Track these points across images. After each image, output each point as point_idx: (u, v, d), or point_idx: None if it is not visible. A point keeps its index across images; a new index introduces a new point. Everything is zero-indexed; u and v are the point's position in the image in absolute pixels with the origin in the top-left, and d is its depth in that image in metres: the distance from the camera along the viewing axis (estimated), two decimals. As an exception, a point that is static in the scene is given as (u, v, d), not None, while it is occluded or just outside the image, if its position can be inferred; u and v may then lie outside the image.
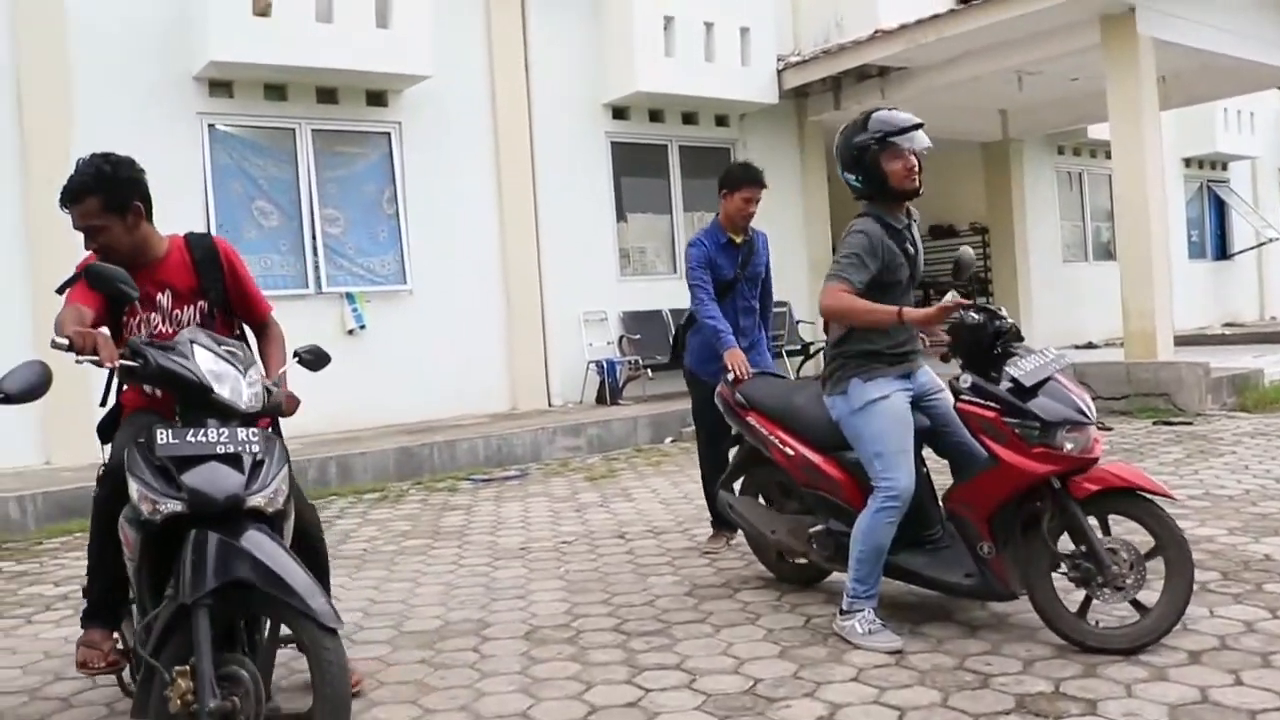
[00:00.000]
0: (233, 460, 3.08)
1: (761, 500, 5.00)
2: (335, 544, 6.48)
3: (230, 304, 3.81)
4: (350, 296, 10.59)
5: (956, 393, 4.02)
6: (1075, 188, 18.14)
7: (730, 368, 5.18)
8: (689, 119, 13.14)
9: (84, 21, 9.35)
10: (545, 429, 9.81)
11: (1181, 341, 11.55)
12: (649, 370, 11.80)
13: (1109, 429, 9.52)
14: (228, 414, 3.17)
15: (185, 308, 3.71)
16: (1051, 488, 3.88)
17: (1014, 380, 3.87)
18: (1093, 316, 16.88)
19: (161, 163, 9.52)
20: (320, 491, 8.25)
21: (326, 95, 10.55)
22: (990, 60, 12.03)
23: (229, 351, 3.30)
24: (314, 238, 10.46)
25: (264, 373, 3.46)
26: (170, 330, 3.65)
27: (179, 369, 3.16)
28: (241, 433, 3.12)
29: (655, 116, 12.85)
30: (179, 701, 2.81)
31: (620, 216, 12.58)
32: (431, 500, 7.94)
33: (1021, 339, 4.07)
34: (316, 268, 10.45)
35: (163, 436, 3.06)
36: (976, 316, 3.95)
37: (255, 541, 2.99)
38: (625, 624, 4.49)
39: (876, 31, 12.41)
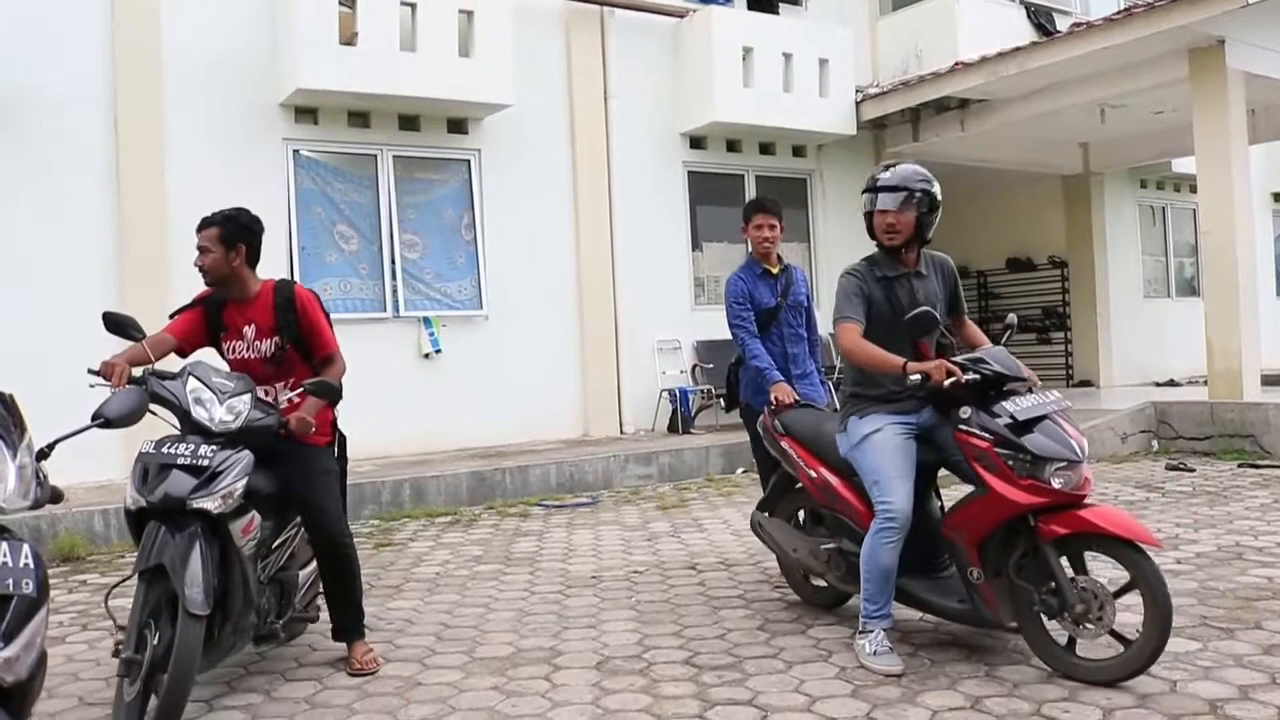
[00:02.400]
0: (195, 470, 3.83)
1: (790, 525, 5.25)
2: (408, 567, 6.56)
3: (301, 340, 4.49)
4: (427, 321, 10.72)
5: (957, 423, 4.17)
6: (1158, 222, 17.80)
7: (775, 398, 5.33)
8: (766, 149, 13.16)
9: (178, 50, 9.64)
10: (617, 456, 9.83)
11: (1269, 381, 11.25)
12: (722, 399, 11.74)
13: (1190, 470, 9.31)
14: (208, 432, 3.95)
15: (264, 340, 4.47)
16: (1028, 524, 4.04)
17: (1011, 416, 4.04)
18: (1175, 353, 16.52)
19: (247, 187, 9.90)
20: (394, 513, 8.35)
21: (408, 122, 10.73)
22: (1073, 93, 11.89)
23: (220, 383, 4.09)
24: (393, 262, 10.63)
25: (255, 401, 4.15)
26: (251, 356, 4.48)
27: (166, 394, 4.04)
28: (203, 449, 3.87)
29: (732, 146, 12.89)
30: (115, 648, 3.73)
31: (695, 245, 12.62)
32: (503, 525, 7.98)
33: (1023, 379, 4.19)
34: (395, 291, 10.60)
35: (144, 447, 3.94)
36: (973, 377, 4.11)
37: (182, 536, 3.76)
38: (697, 657, 4.47)
39: (957, 63, 12.33)
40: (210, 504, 3.80)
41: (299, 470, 4.35)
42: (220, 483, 3.83)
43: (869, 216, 4.50)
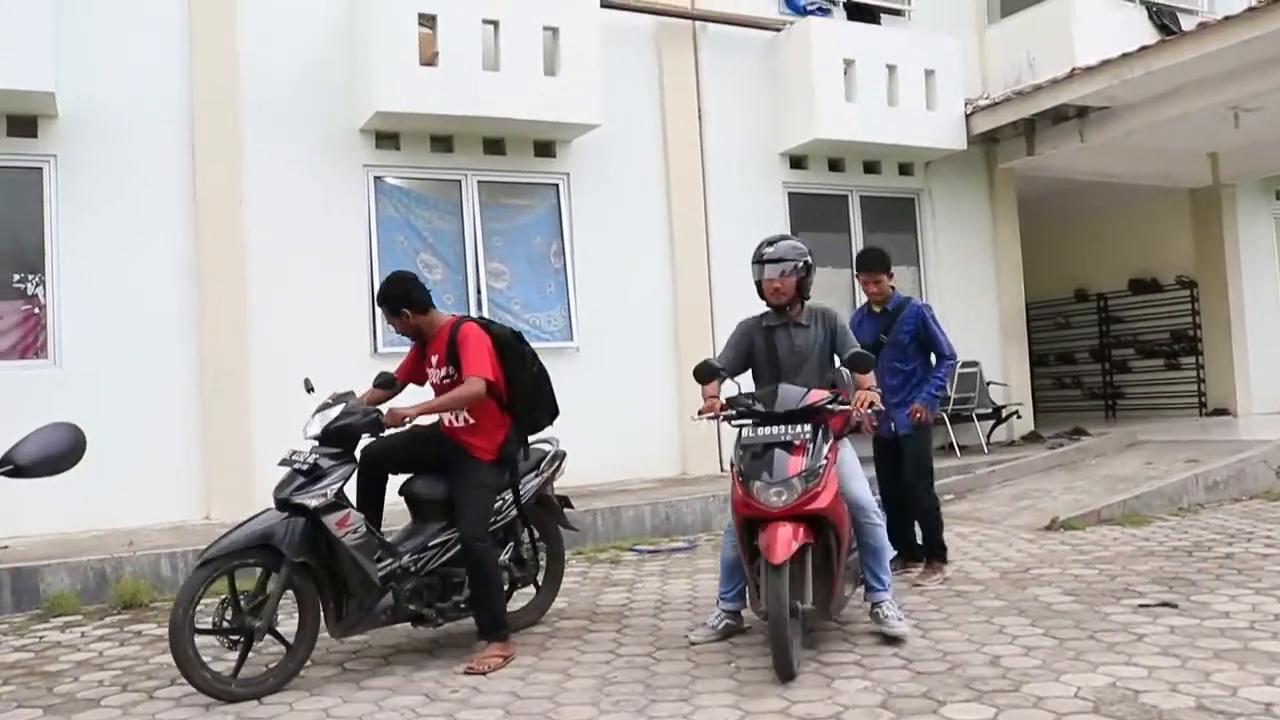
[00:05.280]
0: (304, 471, 4.79)
1: None
2: (485, 621, 5.95)
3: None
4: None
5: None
6: (1297, 237, 16.54)
7: None
8: (870, 168, 12.40)
9: (256, 76, 9.35)
10: (716, 497, 9.10)
11: None
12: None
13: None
14: (321, 440, 4.95)
15: (441, 368, 5.34)
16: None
17: (743, 441, 5.06)
18: (1320, 379, 15.27)
19: (327, 215, 9.54)
20: (476, 559, 7.78)
21: (493, 146, 10.27)
22: (1204, 95, 10.91)
23: (324, 404, 5.05)
24: (479, 292, 10.13)
25: (347, 410, 5.02)
26: (436, 381, 5.42)
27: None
28: (309, 456, 4.86)
29: (835, 165, 12.17)
30: None
31: (797, 270, 11.87)
32: (592, 573, 7.36)
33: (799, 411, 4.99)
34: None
35: (285, 454, 4.94)
36: (729, 412, 5.23)
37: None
38: (808, 741, 3.77)
39: (1074, 69, 11.48)
40: (306, 500, 4.69)
41: (458, 479, 5.20)
42: (319, 484, 4.74)
43: (758, 284, 5.49)
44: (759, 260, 5.47)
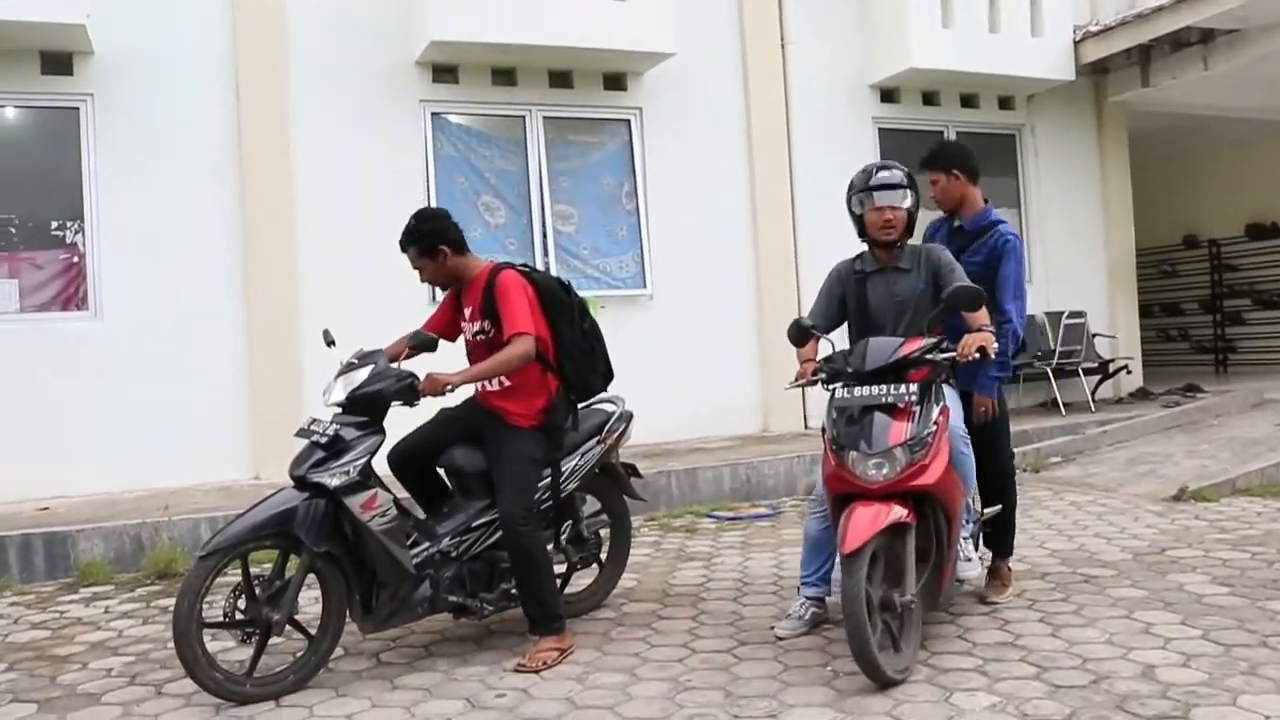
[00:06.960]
0: (324, 444, 4.13)
1: None
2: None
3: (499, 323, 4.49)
4: (583, 302, 9.47)
5: None
6: None
7: None
8: (968, 101, 11.41)
9: (303, 9, 8.71)
10: (802, 457, 8.36)
11: None
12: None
13: None
14: (345, 408, 4.25)
15: (476, 320, 4.62)
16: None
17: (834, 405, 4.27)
18: None
19: (381, 155, 8.84)
20: (539, 526, 7.14)
21: (559, 79, 9.52)
22: (1352, 9, 9.77)
23: (349, 365, 4.36)
24: (544, 236, 9.45)
25: (376, 372, 4.28)
26: (471, 338, 4.70)
27: None
28: (328, 426, 4.18)
29: (929, 99, 11.21)
30: None
31: (888, 212, 11.00)
32: (665, 544, 6.66)
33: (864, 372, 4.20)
34: (546, 269, 9.35)
35: (303, 422, 4.31)
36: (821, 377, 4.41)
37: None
38: (927, 778, 3.05)
39: (1198, -13, 10.36)
40: (326, 478, 4.04)
41: (495, 450, 4.50)
42: (341, 459, 4.07)
43: (859, 218, 4.67)
44: (867, 188, 4.59)
